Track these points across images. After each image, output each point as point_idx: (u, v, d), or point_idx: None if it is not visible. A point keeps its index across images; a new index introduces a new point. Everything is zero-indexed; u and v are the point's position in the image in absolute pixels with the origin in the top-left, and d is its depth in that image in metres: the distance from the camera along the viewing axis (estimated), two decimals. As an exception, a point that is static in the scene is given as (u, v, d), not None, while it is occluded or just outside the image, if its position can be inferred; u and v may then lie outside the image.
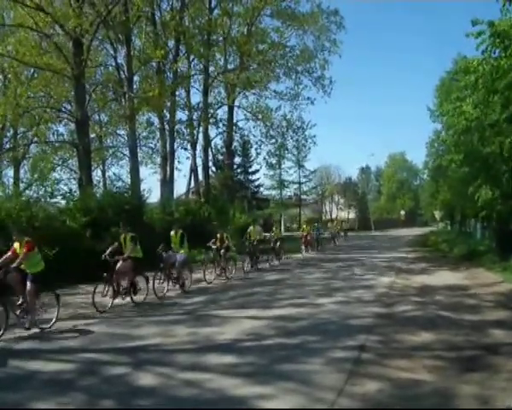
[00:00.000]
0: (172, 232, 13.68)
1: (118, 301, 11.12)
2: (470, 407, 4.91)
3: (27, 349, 7.52)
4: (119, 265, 11.06)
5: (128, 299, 11.40)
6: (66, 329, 8.93)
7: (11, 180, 28.44)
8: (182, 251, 13.26)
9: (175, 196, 31.17)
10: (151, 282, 12.10)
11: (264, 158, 45.24)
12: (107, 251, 11.09)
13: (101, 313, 10.18)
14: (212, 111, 32.54)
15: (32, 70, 25.58)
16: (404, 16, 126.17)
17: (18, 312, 8.59)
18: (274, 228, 24.29)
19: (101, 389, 5.65)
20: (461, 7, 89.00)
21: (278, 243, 22.40)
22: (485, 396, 5.13)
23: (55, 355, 7.19)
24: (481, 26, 12.84)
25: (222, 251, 16.06)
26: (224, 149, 37.83)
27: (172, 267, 13.07)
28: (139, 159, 27.96)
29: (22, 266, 8.64)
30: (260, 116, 33.66)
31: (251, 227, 20.17)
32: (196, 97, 67.80)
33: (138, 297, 11.60)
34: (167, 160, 28.24)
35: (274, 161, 52.39)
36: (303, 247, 26.86)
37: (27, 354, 7.24)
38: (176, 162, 30.21)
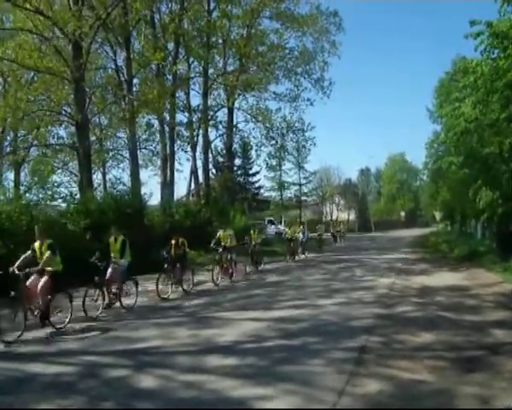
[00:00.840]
0: (111, 239, 11.58)
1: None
2: (471, 407, 4.93)
3: (29, 352, 7.51)
4: (30, 281, 8.96)
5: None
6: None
7: (11, 183, 28.53)
8: (123, 260, 11.46)
9: (175, 198, 31.15)
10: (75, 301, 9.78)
11: (265, 160, 45.35)
12: (18, 262, 8.92)
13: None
14: (211, 113, 32.53)
15: (32, 73, 25.55)
16: (403, 17, 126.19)
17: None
18: (251, 232, 20.99)
19: (101, 391, 5.66)
20: (460, 8, 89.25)
21: (257, 248, 20.33)
22: (486, 396, 5.14)
23: (55, 358, 7.20)
24: (480, 26, 12.89)
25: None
26: (224, 151, 37.83)
27: (111, 281, 11.08)
28: (139, 161, 27.99)
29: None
30: (260, 118, 33.66)
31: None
32: (196, 99, 68.00)
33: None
34: (167, 162, 28.23)
35: (274, 163, 52.42)
36: (288, 254, 23.56)
37: (28, 356, 7.24)
38: (176, 164, 30.23)
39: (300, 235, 26.15)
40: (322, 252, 28.42)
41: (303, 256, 25.29)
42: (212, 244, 16.01)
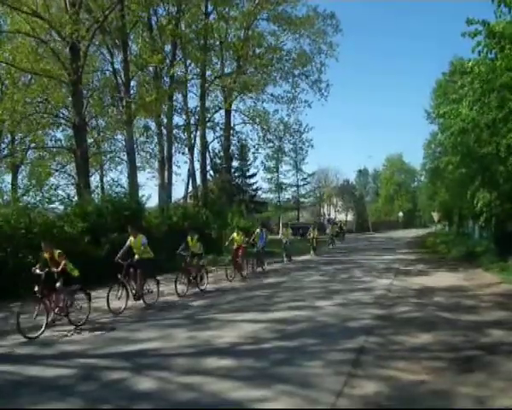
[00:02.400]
0: (45, 255, 9.66)
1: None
2: (469, 408, 4.94)
3: (27, 354, 7.51)
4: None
5: None
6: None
7: (9, 186, 28.47)
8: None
9: (173, 200, 31.14)
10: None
11: (262, 161, 45.42)
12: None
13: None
14: (209, 115, 32.54)
15: (29, 76, 25.52)
16: (402, 19, 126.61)
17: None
18: (256, 233, 20.36)
19: (100, 393, 5.66)
20: (459, 9, 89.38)
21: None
22: (484, 397, 5.16)
23: (54, 361, 7.19)
24: (476, 25, 12.91)
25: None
26: (222, 153, 37.89)
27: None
28: (137, 164, 27.93)
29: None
30: (258, 120, 33.74)
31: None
32: (193, 101, 67.69)
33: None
34: (165, 164, 28.21)
35: (272, 165, 52.56)
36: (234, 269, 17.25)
37: (27, 359, 7.24)
38: (174, 167, 30.19)
39: (291, 237, 25.31)
40: (317, 255, 26.93)
41: (286, 260, 23.30)
42: (178, 250, 14.44)
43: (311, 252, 27.11)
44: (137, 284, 11.55)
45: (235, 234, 17.61)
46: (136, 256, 11.56)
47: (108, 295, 10.57)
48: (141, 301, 11.64)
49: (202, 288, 14.17)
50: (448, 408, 5.02)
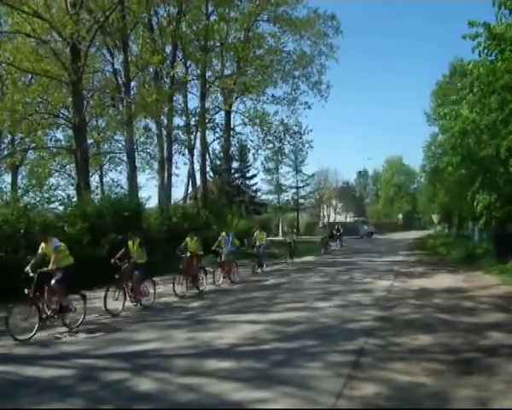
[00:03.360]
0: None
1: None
2: (469, 409, 4.93)
3: (26, 354, 7.50)
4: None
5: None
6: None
7: (9, 186, 28.51)
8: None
9: (173, 201, 31.14)
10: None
11: (262, 163, 45.40)
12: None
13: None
14: (209, 116, 32.57)
15: (30, 76, 25.54)
16: (402, 21, 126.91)
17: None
18: (257, 233, 20.60)
19: (100, 394, 5.65)
20: (460, 11, 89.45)
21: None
22: (483, 399, 5.15)
23: (52, 361, 7.18)
24: (478, 27, 12.94)
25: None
26: (222, 154, 37.91)
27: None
28: (137, 164, 27.93)
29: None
30: (258, 121, 33.70)
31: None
32: (194, 103, 67.86)
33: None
34: (165, 165, 28.22)
35: (271, 166, 52.49)
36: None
37: (25, 359, 7.23)
38: (173, 168, 30.20)
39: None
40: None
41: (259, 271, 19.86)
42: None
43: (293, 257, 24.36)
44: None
45: (188, 239, 14.55)
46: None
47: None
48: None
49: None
50: (448, 409, 5.01)
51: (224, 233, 17.02)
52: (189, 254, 14.06)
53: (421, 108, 49.90)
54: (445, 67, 42.35)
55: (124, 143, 29.55)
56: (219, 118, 34.47)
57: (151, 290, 12.09)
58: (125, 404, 5.31)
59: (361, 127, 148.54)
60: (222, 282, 15.58)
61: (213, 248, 16.40)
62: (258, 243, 20.10)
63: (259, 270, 19.56)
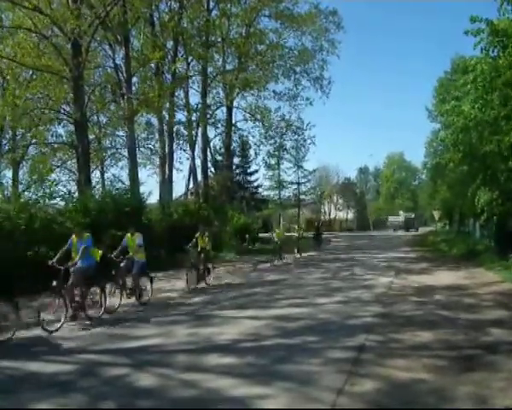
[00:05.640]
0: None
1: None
2: (469, 407, 4.92)
3: (27, 349, 7.52)
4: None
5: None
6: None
7: (10, 182, 28.47)
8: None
9: (174, 196, 31.14)
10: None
11: (263, 159, 45.29)
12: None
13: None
14: (210, 112, 32.51)
15: (31, 72, 25.50)
16: (403, 18, 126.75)
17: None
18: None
19: (101, 390, 5.66)
20: (461, 8, 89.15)
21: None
22: (484, 396, 5.14)
23: (54, 356, 7.20)
24: (480, 23, 12.90)
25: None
26: (223, 150, 37.83)
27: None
28: (138, 160, 27.90)
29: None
30: (259, 117, 33.69)
31: (128, 234, 19.55)
32: (195, 98, 67.71)
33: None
34: (166, 161, 28.21)
35: (273, 162, 52.34)
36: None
37: (27, 354, 7.24)
38: (175, 163, 30.19)
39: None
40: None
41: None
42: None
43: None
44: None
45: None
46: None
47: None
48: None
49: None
50: (448, 408, 5.01)
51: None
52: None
53: (423, 104, 49.78)
54: (447, 65, 42.18)
55: (125, 139, 29.56)
56: (221, 113, 34.48)
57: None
58: (127, 400, 5.32)
59: (362, 124, 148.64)
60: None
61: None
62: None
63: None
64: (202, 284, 14.24)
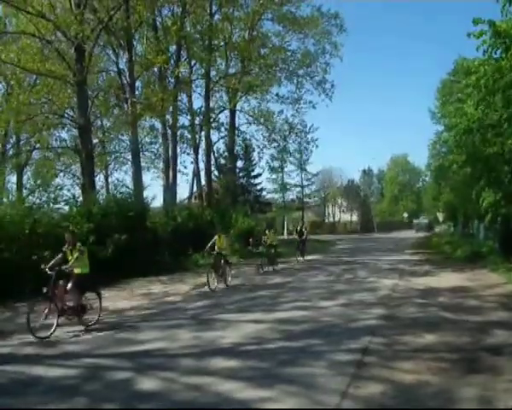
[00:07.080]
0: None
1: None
2: (473, 408, 4.92)
3: (32, 354, 7.53)
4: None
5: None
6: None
7: (14, 186, 28.65)
8: None
9: (178, 200, 31.18)
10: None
11: (267, 162, 45.40)
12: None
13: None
14: (213, 115, 32.55)
15: (35, 77, 25.68)
16: (405, 19, 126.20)
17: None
18: (267, 232, 21.34)
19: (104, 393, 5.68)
20: (463, 9, 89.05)
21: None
22: (488, 397, 5.14)
23: (57, 361, 7.21)
24: (483, 25, 12.87)
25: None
26: (227, 153, 37.87)
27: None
28: (142, 164, 28.03)
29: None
30: (262, 120, 33.75)
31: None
32: (198, 102, 68.04)
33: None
34: (170, 164, 28.27)
35: (276, 165, 52.45)
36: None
37: (32, 359, 7.27)
38: (178, 167, 30.23)
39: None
40: None
41: None
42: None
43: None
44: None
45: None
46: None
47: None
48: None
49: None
50: (452, 409, 5.00)
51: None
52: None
53: (427, 106, 49.86)
54: (449, 66, 42.16)
55: (129, 143, 29.67)
56: (224, 117, 34.58)
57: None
58: (130, 403, 5.33)
59: (365, 126, 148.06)
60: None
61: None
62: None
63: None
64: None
